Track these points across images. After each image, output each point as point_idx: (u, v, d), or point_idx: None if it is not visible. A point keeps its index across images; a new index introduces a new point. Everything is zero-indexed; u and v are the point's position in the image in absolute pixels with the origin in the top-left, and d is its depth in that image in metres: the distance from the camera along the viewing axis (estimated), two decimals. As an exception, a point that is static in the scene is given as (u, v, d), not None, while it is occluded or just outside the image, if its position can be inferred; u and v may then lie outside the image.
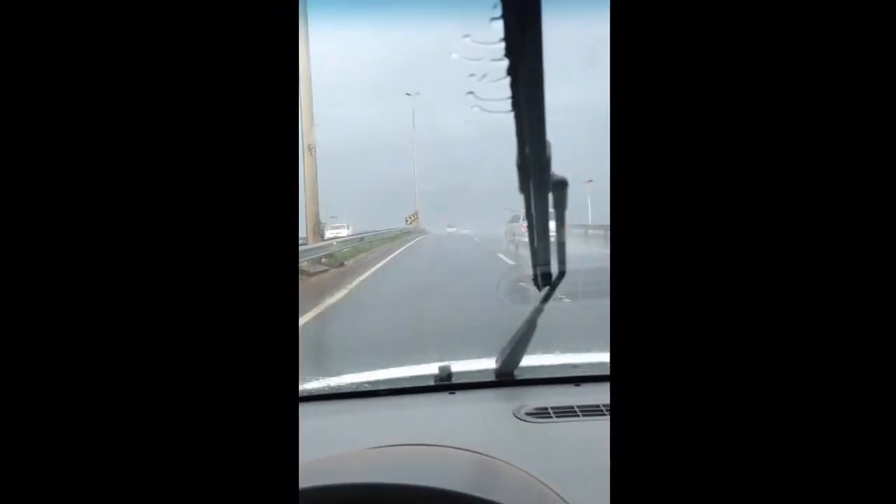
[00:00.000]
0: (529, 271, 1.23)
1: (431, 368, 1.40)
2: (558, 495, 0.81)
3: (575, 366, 1.47)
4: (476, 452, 0.94)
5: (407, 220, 30.52)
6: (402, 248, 17.54)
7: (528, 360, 1.38)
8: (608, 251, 0.48)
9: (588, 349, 1.57)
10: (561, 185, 1.00)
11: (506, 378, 1.35)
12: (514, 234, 14.19)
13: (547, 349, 1.52)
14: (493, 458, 0.93)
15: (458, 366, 1.42)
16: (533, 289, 1.25)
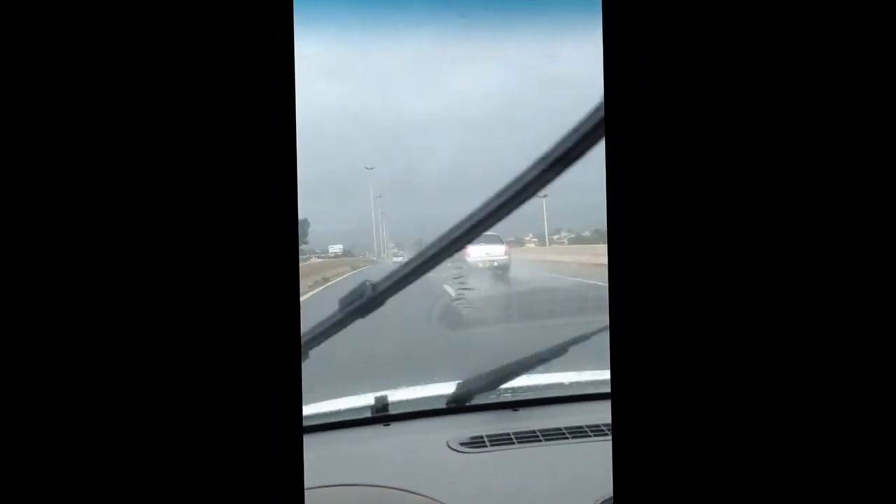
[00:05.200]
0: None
1: (368, 399, 1.35)
2: None
3: (514, 390, 1.46)
4: (402, 490, 0.93)
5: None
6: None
7: (467, 386, 1.36)
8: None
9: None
10: None
11: (443, 406, 1.32)
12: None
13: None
14: (419, 495, 0.92)
15: (396, 395, 1.38)
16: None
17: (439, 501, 0.91)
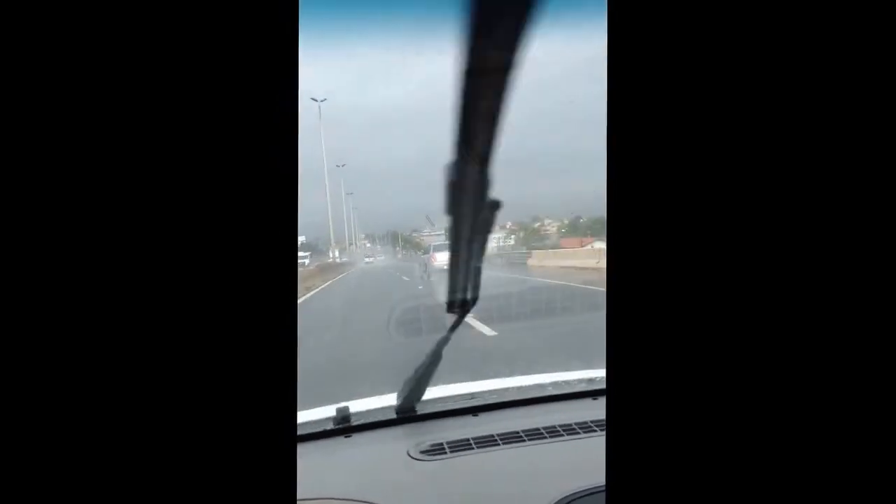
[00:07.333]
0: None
1: (330, 411, 1.32)
2: None
3: (473, 395, 1.46)
4: (362, 502, 0.92)
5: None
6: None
7: (431, 393, 1.36)
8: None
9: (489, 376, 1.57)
10: (493, 206, 0.93)
11: (405, 414, 1.32)
12: (426, 265, 17.31)
13: (453, 378, 1.50)
14: None
15: (358, 405, 1.36)
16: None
17: None
